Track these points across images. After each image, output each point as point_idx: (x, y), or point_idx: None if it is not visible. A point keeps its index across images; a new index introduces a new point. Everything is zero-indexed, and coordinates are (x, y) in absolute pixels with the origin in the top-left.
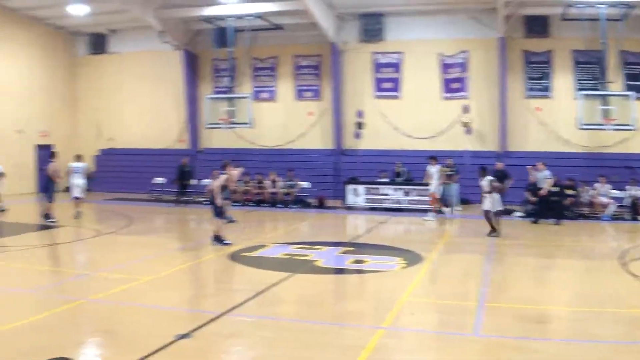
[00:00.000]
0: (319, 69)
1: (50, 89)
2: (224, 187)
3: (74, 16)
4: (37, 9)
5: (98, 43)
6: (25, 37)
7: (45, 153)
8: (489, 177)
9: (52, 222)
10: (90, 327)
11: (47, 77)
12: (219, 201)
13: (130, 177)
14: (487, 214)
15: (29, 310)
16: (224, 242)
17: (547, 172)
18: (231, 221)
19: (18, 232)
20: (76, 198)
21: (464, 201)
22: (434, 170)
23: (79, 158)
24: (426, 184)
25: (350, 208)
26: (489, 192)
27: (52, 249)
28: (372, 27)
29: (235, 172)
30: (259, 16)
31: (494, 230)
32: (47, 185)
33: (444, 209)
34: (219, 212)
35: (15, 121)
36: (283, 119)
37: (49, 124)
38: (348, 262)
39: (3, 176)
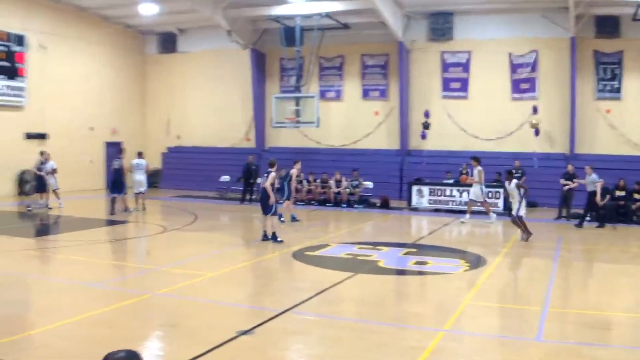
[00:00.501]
0: (386, 68)
1: (120, 87)
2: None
3: (145, 15)
4: (109, 9)
5: (168, 42)
6: (97, 36)
7: (113, 150)
8: (516, 181)
9: (130, 212)
10: (155, 320)
11: (118, 75)
12: (272, 199)
13: (197, 175)
14: (518, 219)
15: (96, 303)
16: (278, 239)
17: (594, 176)
18: (295, 220)
19: (86, 227)
20: (137, 193)
21: (532, 204)
22: (475, 171)
23: (140, 155)
24: (495, 186)
25: (414, 209)
26: (520, 198)
27: (119, 243)
28: (440, 25)
29: (294, 170)
30: (326, 15)
31: (528, 232)
32: (120, 180)
33: (491, 215)
34: (273, 210)
35: (86, 119)
36: (349, 119)
37: (119, 121)
38: (410, 263)
39: (55, 172)
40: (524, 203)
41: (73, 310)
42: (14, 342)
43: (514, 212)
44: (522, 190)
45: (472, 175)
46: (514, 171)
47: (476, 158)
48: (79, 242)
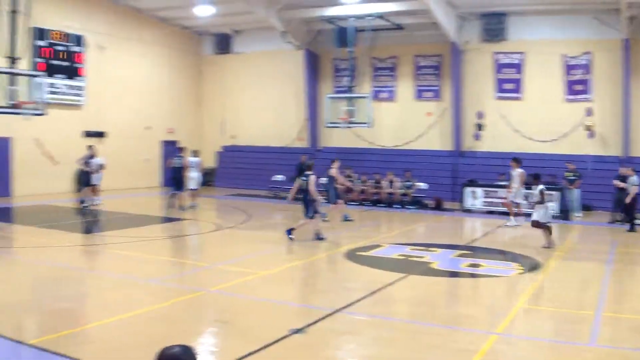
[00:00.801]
0: (439, 69)
1: (176, 87)
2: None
3: (200, 17)
4: (166, 10)
5: (223, 43)
6: (154, 37)
7: (169, 149)
8: (541, 186)
9: (185, 210)
10: (209, 317)
11: (174, 75)
12: (320, 200)
13: (250, 174)
14: (536, 224)
15: (151, 299)
16: (320, 237)
17: (635, 178)
18: (347, 220)
19: (143, 224)
20: (192, 190)
21: (586, 207)
22: (514, 173)
23: (195, 153)
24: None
25: (467, 211)
26: (541, 202)
27: (174, 241)
28: (494, 26)
29: (334, 170)
30: (379, 16)
31: (550, 239)
32: (179, 178)
33: (511, 218)
34: (315, 210)
35: (143, 118)
36: (402, 119)
37: (175, 121)
38: (463, 265)
39: (103, 168)
40: (543, 209)
41: (129, 306)
42: (71, 335)
43: (532, 217)
44: (542, 197)
45: (509, 178)
46: (540, 176)
47: (517, 159)
48: (134, 238)
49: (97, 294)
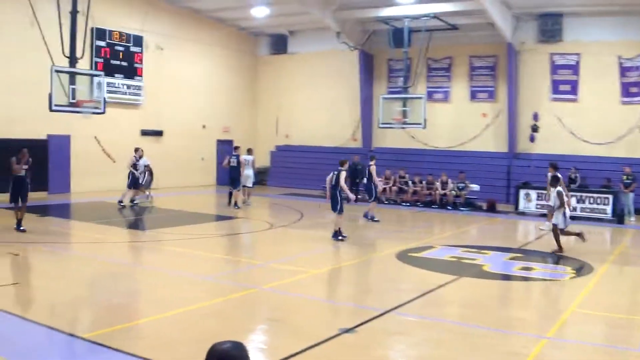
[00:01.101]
0: (494, 69)
1: (232, 87)
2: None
3: (257, 18)
4: (223, 11)
5: (279, 43)
6: (211, 37)
7: (225, 148)
8: (560, 189)
9: (238, 208)
10: (261, 314)
11: (230, 75)
12: (352, 196)
13: (303, 173)
14: (555, 229)
15: (204, 295)
16: (341, 236)
17: None
18: (374, 220)
19: (198, 222)
20: (245, 187)
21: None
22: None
23: (249, 152)
24: (604, 192)
25: (521, 213)
26: (560, 206)
27: (228, 238)
28: (550, 27)
29: (373, 167)
30: (434, 16)
31: (560, 249)
32: (237, 176)
33: (546, 222)
34: (340, 209)
35: (199, 117)
36: (456, 120)
37: (230, 120)
38: (516, 268)
39: (147, 168)
40: (561, 214)
41: (182, 301)
42: (125, 329)
43: (552, 221)
44: (560, 200)
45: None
46: (559, 178)
47: (554, 165)
48: (189, 235)
49: (151, 290)
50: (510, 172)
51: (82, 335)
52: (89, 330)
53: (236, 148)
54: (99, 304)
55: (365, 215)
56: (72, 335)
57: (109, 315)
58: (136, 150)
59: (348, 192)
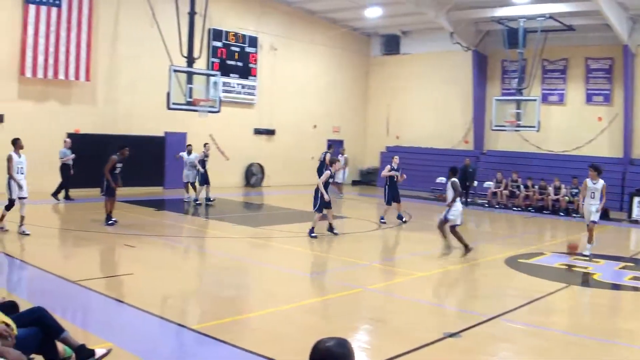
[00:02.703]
0: (610, 72)
1: (344, 87)
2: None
3: (370, 18)
4: (336, 12)
5: (391, 44)
6: (324, 38)
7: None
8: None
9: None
10: (364, 314)
11: (342, 76)
12: (326, 197)
13: (413, 175)
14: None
15: (309, 292)
16: (312, 234)
17: None
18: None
19: (302, 220)
20: (337, 183)
21: None
22: (591, 184)
23: (341, 151)
24: None
25: (634, 221)
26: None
27: (334, 237)
28: None
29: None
30: (550, 17)
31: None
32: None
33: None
34: (317, 207)
35: (310, 117)
36: (570, 124)
37: (341, 120)
38: (627, 278)
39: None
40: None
41: (289, 297)
42: (234, 322)
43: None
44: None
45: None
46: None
47: (596, 168)
48: (297, 233)
49: (259, 285)
50: (624, 179)
51: (191, 326)
52: (197, 321)
53: (329, 146)
54: (209, 296)
55: (398, 217)
56: (181, 325)
57: (219, 308)
58: (205, 145)
59: (324, 191)
